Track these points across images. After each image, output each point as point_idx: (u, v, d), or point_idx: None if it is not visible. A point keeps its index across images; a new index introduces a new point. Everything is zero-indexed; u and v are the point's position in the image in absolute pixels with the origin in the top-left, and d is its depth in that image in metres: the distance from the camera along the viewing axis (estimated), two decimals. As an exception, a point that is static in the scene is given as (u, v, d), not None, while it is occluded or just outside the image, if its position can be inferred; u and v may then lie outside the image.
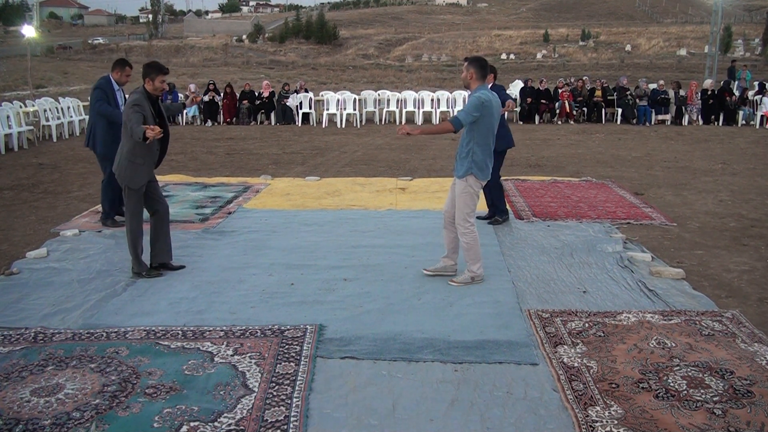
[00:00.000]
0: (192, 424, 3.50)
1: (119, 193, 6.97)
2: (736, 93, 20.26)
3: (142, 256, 6.01)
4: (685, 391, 3.81)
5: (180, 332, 4.69)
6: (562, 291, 5.53)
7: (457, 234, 5.75)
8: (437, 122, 19.79)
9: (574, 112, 19.82)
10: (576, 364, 4.17)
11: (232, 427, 3.47)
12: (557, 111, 19.78)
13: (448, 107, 20.29)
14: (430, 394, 3.82)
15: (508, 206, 8.38)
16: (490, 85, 6.60)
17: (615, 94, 19.94)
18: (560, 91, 20.06)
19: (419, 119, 19.94)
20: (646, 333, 4.63)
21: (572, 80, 21.61)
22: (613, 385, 3.89)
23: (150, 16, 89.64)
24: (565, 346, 4.43)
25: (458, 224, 5.70)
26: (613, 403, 3.69)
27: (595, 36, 66.54)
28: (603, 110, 19.81)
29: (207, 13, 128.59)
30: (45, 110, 16.70)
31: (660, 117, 19.37)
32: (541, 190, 9.60)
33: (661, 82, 20.78)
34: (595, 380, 3.96)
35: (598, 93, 20.10)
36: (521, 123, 19.62)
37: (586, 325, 4.78)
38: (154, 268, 6.07)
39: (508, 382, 3.96)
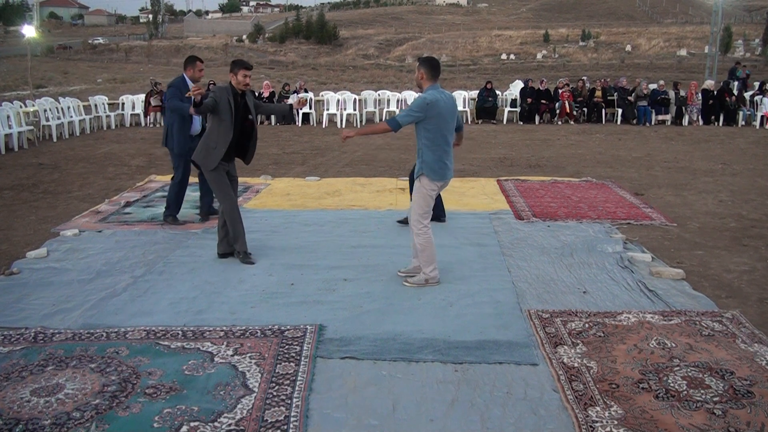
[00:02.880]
0: (192, 424, 3.50)
1: (182, 195, 7.83)
2: (735, 93, 20.24)
3: (245, 235, 6.40)
4: (685, 392, 3.81)
5: (180, 332, 4.69)
6: (562, 291, 5.52)
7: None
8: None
9: (575, 113, 19.81)
10: (576, 365, 4.17)
11: (232, 427, 3.46)
12: (557, 111, 19.77)
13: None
14: (430, 395, 3.82)
15: (508, 206, 8.40)
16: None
17: (615, 94, 19.93)
18: (560, 91, 20.05)
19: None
20: (646, 333, 4.63)
21: (585, 80, 21.50)
22: (613, 386, 3.89)
23: (150, 16, 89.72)
24: (565, 347, 4.43)
25: (412, 225, 5.68)
26: (613, 403, 3.69)
27: (596, 36, 66.55)
28: (603, 110, 19.81)
29: (207, 13, 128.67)
30: (45, 110, 16.69)
31: (660, 117, 19.36)
32: (541, 191, 9.60)
33: (661, 82, 20.78)
34: (595, 380, 3.96)
35: (599, 93, 20.10)
36: (521, 123, 19.63)
37: (586, 325, 4.78)
38: (221, 256, 6.42)
39: (508, 382, 3.96)
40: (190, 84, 7.45)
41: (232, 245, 6.43)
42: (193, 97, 5.91)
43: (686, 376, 4.00)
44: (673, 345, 4.43)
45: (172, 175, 7.90)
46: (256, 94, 19.82)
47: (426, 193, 5.57)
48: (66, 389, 3.91)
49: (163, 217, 7.91)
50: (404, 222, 7.37)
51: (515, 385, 3.93)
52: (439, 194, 7.22)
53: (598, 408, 3.64)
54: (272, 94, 19.76)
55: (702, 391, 3.81)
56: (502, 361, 4.22)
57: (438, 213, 7.62)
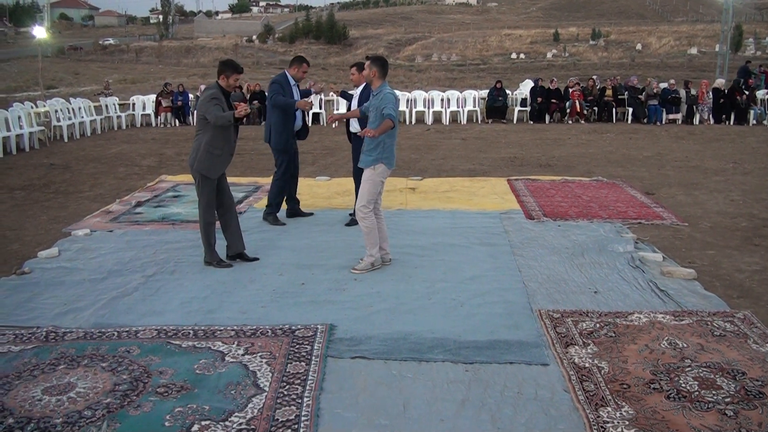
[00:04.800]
0: (203, 423, 3.51)
1: (284, 193, 7.96)
2: (756, 89, 20.13)
3: (215, 246, 6.28)
4: (697, 392, 3.79)
5: (191, 331, 4.70)
6: (573, 291, 5.51)
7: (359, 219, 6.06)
8: (447, 122, 19.79)
9: (585, 112, 19.75)
10: (587, 365, 4.15)
11: (243, 427, 3.47)
12: (568, 110, 19.72)
13: (458, 107, 20.28)
14: (441, 394, 3.81)
15: (519, 206, 8.40)
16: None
17: (626, 93, 19.86)
18: (571, 90, 19.99)
19: (429, 119, 19.93)
20: (658, 333, 4.61)
21: (595, 79, 21.43)
22: (625, 386, 3.88)
23: (160, 16, 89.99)
24: (576, 347, 4.41)
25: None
26: (624, 403, 3.68)
27: (606, 35, 66.17)
28: (614, 110, 19.74)
29: (217, 13, 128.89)
30: (56, 111, 16.79)
31: (671, 116, 19.28)
32: (551, 190, 9.58)
33: (672, 81, 20.69)
34: (606, 381, 3.95)
35: (609, 92, 20.03)
36: (531, 123, 19.60)
37: (597, 325, 4.77)
38: (230, 258, 6.36)
39: (518, 382, 3.95)
40: (292, 81, 7.65)
41: (239, 244, 6.43)
42: (239, 115, 5.92)
43: (698, 376, 3.98)
44: (685, 345, 4.41)
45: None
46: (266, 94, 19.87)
47: (378, 180, 6.02)
48: (77, 388, 3.93)
49: (263, 216, 7.96)
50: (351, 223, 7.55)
51: (526, 385, 3.92)
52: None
53: (609, 408, 3.63)
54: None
55: (713, 392, 3.79)
56: (512, 361, 4.21)
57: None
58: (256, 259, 6.42)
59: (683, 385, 3.87)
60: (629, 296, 5.39)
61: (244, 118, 6.04)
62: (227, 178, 6.42)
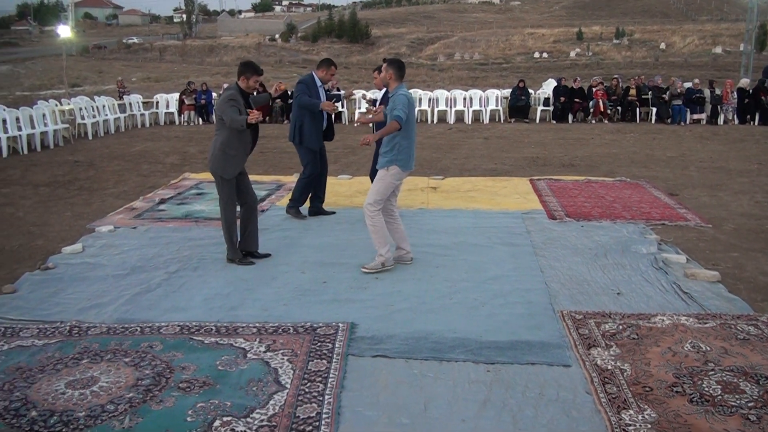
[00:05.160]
0: (225, 419, 3.53)
1: (309, 191, 8.04)
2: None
3: (237, 244, 6.33)
4: (720, 396, 3.75)
5: (213, 328, 4.73)
6: (596, 292, 5.47)
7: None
8: (469, 121, 19.76)
9: (608, 111, 19.62)
10: (609, 367, 4.12)
11: (264, 423, 3.49)
12: (591, 110, 19.60)
13: (480, 106, 20.23)
14: (462, 394, 3.80)
15: (541, 206, 8.37)
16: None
17: (650, 93, 19.69)
18: (594, 89, 19.87)
19: (451, 118, 19.89)
20: (681, 336, 4.56)
21: (619, 78, 21.27)
22: (647, 389, 3.84)
23: (184, 15, 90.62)
24: (599, 348, 4.38)
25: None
26: (646, 406, 3.65)
27: (629, 34, 65.69)
28: (637, 109, 19.58)
29: (240, 12, 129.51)
30: (80, 108, 16.98)
31: (695, 116, 19.10)
32: (574, 190, 9.52)
33: (696, 80, 20.48)
34: (629, 383, 3.91)
35: (633, 92, 19.87)
36: (554, 122, 19.50)
37: (620, 327, 4.73)
38: (243, 255, 6.36)
39: (540, 383, 3.93)
40: (319, 83, 7.71)
41: (253, 243, 6.46)
42: (252, 121, 5.94)
43: (721, 380, 3.93)
44: (708, 348, 4.37)
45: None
46: (289, 93, 19.93)
47: (391, 182, 5.97)
48: (100, 382, 3.97)
49: (286, 209, 8.08)
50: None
51: (548, 386, 3.90)
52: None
53: (631, 411, 3.60)
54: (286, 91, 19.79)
55: (737, 396, 3.74)
56: (534, 362, 4.19)
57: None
58: (267, 255, 6.47)
59: (706, 389, 3.83)
60: (652, 298, 5.34)
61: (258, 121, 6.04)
62: (251, 176, 6.47)
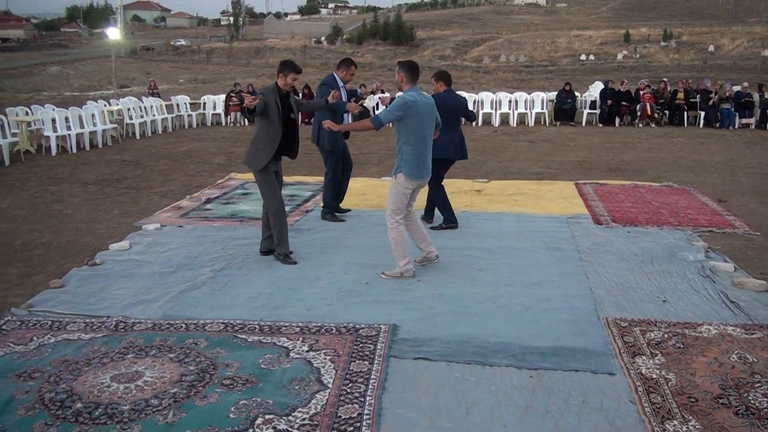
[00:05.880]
0: (267, 416, 3.56)
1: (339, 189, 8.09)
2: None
3: (288, 237, 6.46)
4: (766, 409, 3.65)
5: (257, 326, 4.78)
6: (642, 300, 5.38)
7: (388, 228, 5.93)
8: (515, 124, 19.63)
9: (656, 115, 19.31)
10: (654, 376, 4.05)
11: (306, 422, 3.51)
12: (638, 113, 19.31)
13: (525, 109, 20.08)
14: (504, 400, 3.77)
15: (587, 211, 8.27)
16: (442, 91, 7.31)
17: (698, 96, 19.32)
18: (641, 93, 19.57)
19: (496, 120, 19.79)
20: (727, 346, 4.46)
21: (666, 81, 20.92)
22: (692, 400, 3.77)
23: (231, 18, 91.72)
24: (644, 357, 4.31)
25: (386, 218, 5.91)
26: (691, 418, 3.57)
27: (677, 36, 64.48)
28: (685, 113, 19.23)
29: (286, 15, 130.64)
30: (128, 109, 17.30)
31: (744, 121, 18.65)
32: (620, 195, 9.39)
33: (745, 84, 20.00)
34: (674, 393, 3.84)
35: (680, 95, 19.53)
36: (601, 126, 19.26)
37: (666, 335, 4.65)
38: (263, 253, 6.50)
39: (584, 390, 3.88)
40: (340, 83, 7.75)
41: (272, 245, 6.51)
42: (248, 105, 6.02)
43: (768, 393, 3.84)
44: (755, 360, 4.26)
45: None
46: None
47: (401, 190, 5.81)
48: (145, 377, 4.04)
49: (321, 216, 8.10)
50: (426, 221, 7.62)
51: (591, 394, 3.85)
52: (447, 198, 7.63)
53: (675, 422, 3.53)
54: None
55: (786, 409, 3.65)
56: (578, 369, 4.14)
57: (428, 217, 7.78)
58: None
59: (752, 402, 3.74)
60: (699, 307, 5.24)
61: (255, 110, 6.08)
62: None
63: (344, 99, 7.72)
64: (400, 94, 5.98)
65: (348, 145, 8.29)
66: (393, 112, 5.66)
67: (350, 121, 8.01)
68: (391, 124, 5.99)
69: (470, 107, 19.44)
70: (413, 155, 5.72)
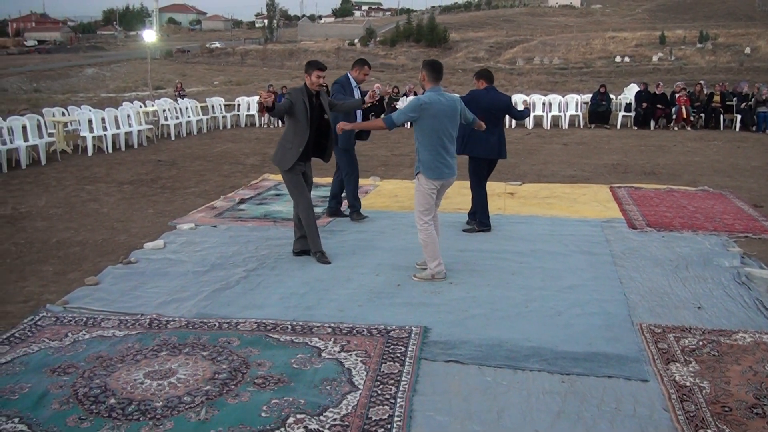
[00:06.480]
0: (298, 416, 3.58)
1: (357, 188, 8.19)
2: None
3: (319, 235, 6.52)
4: (803, 420, 3.58)
5: (289, 326, 4.81)
6: (676, 306, 5.30)
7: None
8: (548, 126, 19.51)
9: (692, 118, 19.04)
10: (688, 384, 3.99)
11: (337, 422, 3.52)
12: (673, 116, 19.07)
13: (560, 111, 19.93)
14: (536, 405, 3.75)
15: (621, 215, 8.19)
16: (482, 88, 7.30)
17: (734, 99, 19.00)
18: (677, 95, 19.31)
19: (530, 123, 19.67)
20: (763, 355, 4.38)
21: (702, 84, 20.61)
22: (726, 409, 3.70)
23: (265, 20, 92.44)
24: (678, 364, 4.25)
25: (415, 220, 5.91)
26: (725, 427, 3.51)
27: (713, 38, 63.44)
28: (721, 116, 18.93)
29: (320, 17, 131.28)
30: (164, 110, 17.54)
31: (781, 124, 18.31)
32: (655, 199, 9.28)
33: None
34: (708, 402, 3.78)
35: (717, 98, 19.23)
36: (636, 129, 19.06)
37: (700, 342, 4.58)
38: (296, 254, 6.55)
39: (617, 397, 3.84)
40: (354, 83, 7.80)
41: (308, 244, 6.56)
42: (264, 102, 6.04)
43: (806, 402, 3.76)
44: (792, 369, 4.18)
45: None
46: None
47: (424, 191, 5.78)
48: (178, 374, 4.09)
49: (351, 218, 8.17)
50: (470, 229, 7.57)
51: (624, 400, 3.80)
52: (486, 201, 7.61)
53: (709, 431, 3.48)
54: (382, 96, 19.85)
55: (823, 420, 3.57)
56: (611, 375, 4.09)
57: (483, 219, 7.66)
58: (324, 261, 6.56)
59: (789, 412, 3.67)
60: (734, 314, 5.14)
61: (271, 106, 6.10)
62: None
63: (358, 97, 7.75)
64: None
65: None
66: (407, 113, 5.67)
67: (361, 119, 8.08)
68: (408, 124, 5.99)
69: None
70: (429, 156, 5.70)
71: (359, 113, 7.98)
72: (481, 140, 7.30)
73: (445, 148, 5.74)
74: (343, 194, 8.32)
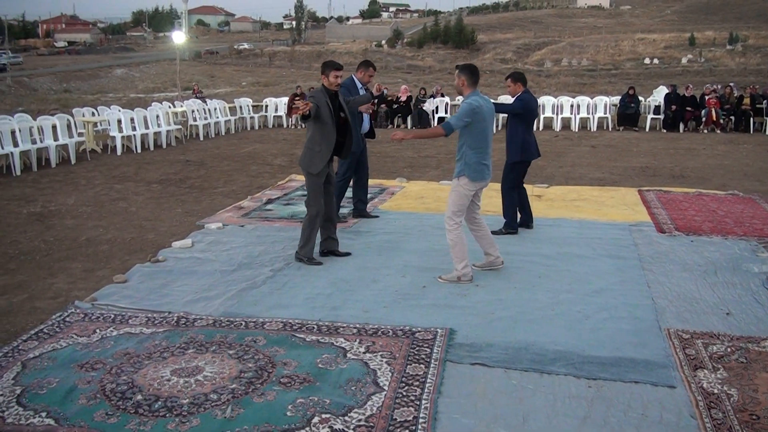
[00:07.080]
0: (323, 416, 3.60)
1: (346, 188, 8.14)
2: None
3: (313, 243, 6.49)
4: (832, 429, 3.52)
5: (315, 326, 4.83)
6: (704, 311, 5.24)
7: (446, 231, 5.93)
8: (576, 129, 19.38)
9: (721, 121, 18.80)
10: (716, 391, 3.95)
11: (362, 423, 3.53)
12: (703, 119, 18.84)
13: (588, 113, 19.79)
14: (562, 409, 3.73)
15: (650, 218, 8.11)
16: (521, 92, 7.36)
17: (765, 102, 18.73)
18: (707, 98, 19.07)
19: (558, 125, 19.56)
20: (792, 362, 4.32)
21: (732, 86, 20.33)
22: (754, 417, 3.65)
23: (293, 22, 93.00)
24: (705, 371, 4.20)
25: (445, 221, 5.93)
26: (753, 435, 3.47)
27: (744, 39, 62.55)
28: (751, 119, 18.66)
29: (348, 19, 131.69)
30: (192, 111, 17.71)
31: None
32: (684, 203, 9.18)
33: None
34: (735, 410, 3.73)
35: (747, 101, 18.95)
36: (665, 131, 18.86)
37: (729, 349, 4.52)
38: (323, 254, 6.56)
39: (643, 403, 3.80)
40: (359, 84, 7.83)
41: (333, 245, 6.64)
42: (304, 111, 6.06)
43: (836, 412, 3.70)
44: (823, 377, 4.11)
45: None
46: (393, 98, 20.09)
47: (463, 192, 5.84)
48: (205, 372, 4.13)
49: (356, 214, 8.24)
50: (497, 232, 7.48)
51: (651, 407, 3.77)
52: (528, 200, 7.65)
53: (737, 438, 3.44)
54: (409, 98, 19.90)
55: None
56: (638, 381, 4.06)
57: (526, 218, 7.71)
58: (348, 253, 6.65)
59: (819, 421, 3.61)
60: (763, 320, 5.06)
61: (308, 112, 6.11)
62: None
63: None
64: (459, 98, 5.99)
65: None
66: (462, 118, 5.69)
67: (369, 121, 8.14)
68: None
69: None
70: (476, 159, 5.77)
71: (366, 117, 8.00)
72: (531, 144, 7.50)
73: (488, 151, 5.90)
74: (367, 195, 8.34)
